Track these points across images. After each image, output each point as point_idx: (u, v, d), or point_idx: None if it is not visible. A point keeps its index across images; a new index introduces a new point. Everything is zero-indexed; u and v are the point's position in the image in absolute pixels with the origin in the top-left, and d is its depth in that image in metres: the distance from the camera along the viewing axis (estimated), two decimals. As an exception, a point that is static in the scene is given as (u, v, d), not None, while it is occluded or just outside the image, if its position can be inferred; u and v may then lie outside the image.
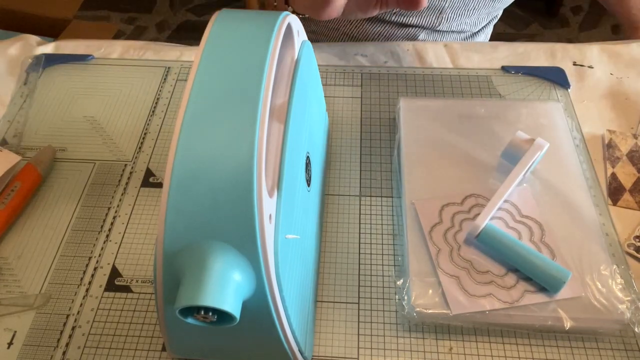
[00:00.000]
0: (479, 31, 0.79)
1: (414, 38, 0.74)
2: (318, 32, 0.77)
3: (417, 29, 0.73)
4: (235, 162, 0.30)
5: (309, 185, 0.43)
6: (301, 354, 0.38)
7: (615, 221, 0.49)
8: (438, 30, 0.74)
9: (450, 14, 0.71)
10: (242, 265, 0.30)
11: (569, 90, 0.61)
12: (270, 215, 0.31)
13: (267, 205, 0.31)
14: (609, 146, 0.54)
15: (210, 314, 0.30)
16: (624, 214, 0.50)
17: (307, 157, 0.43)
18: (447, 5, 0.69)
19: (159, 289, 0.32)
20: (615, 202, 0.50)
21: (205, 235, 0.30)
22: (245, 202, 0.29)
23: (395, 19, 0.71)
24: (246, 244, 0.30)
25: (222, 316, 0.30)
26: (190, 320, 0.30)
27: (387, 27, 0.73)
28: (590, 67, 0.63)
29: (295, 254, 0.37)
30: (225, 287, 0.29)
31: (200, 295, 0.29)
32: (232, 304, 0.29)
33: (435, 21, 0.71)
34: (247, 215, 0.29)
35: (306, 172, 0.42)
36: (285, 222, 0.34)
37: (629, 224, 0.49)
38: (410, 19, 0.71)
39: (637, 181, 0.51)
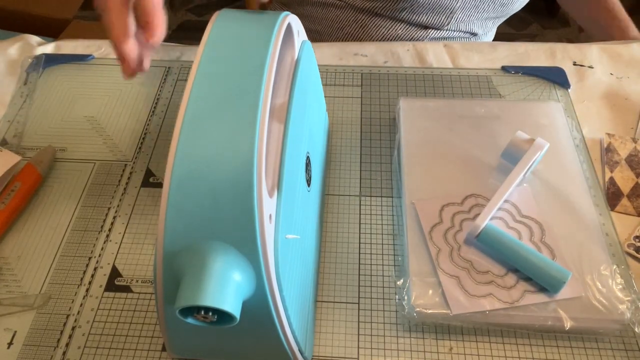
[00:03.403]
0: (485, 33, 0.79)
1: (420, 39, 0.73)
2: (322, 32, 0.77)
3: (424, 29, 0.73)
4: (236, 162, 0.30)
5: (309, 185, 0.43)
6: (301, 354, 0.38)
7: (615, 222, 0.49)
8: (446, 30, 0.73)
9: (460, 15, 0.70)
10: (242, 265, 0.30)
11: (569, 90, 0.61)
12: (270, 215, 0.31)
13: (267, 205, 0.31)
14: (608, 150, 0.54)
15: (210, 314, 0.30)
16: (622, 217, 0.50)
17: (307, 157, 0.43)
18: (458, 5, 0.69)
19: (159, 289, 0.32)
20: (613, 208, 0.50)
21: (205, 235, 0.30)
22: (245, 202, 0.29)
23: (404, 16, 0.71)
24: (246, 244, 0.30)
25: (222, 316, 0.30)
26: (190, 320, 0.30)
27: (393, 27, 0.72)
28: (591, 67, 0.63)
29: (295, 254, 0.37)
30: (225, 287, 0.29)
31: (200, 295, 0.29)
32: (232, 304, 0.29)
33: (445, 21, 0.71)
34: (247, 215, 0.29)
35: (306, 172, 0.42)
36: (285, 222, 0.34)
37: (628, 225, 0.49)
38: (420, 17, 0.70)
39: (636, 186, 0.51)
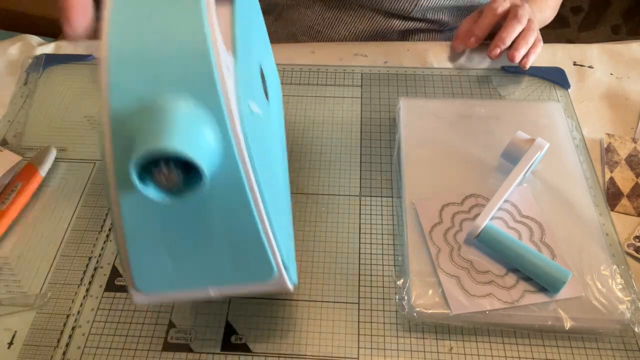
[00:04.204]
0: (455, 22, 0.78)
1: (386, 32, 0.72)
2: (297, 33, 0.77)
3: (389, 18, 0.72)
4: (183, 7, 0.26)
5: (267, 98, 0.39)
6: (286, 271, 0.34)
7: (615, 222, 0.49)
8: (412, 20, 0.72)
9: (424, 1, 0.69)
10: (206, 118, 0.27)
11: (569, 90, 0.61)
12: (227, 67, 0.28)
13: (224, 57, 0.28)
14: (608, 150, 0.54)
15: (175, 172, 0.26)
16: (622, 217, 0.50)
17: (261, 70, 0.39)
18: None
19: (109, 169, 0.27)
20: (613, 208, 0.50)
21: (161, 87, 0.26)
22: (199, 47, 0.26)
23: (368, 4, 0.69)
24: (205, 89, 0.26)
25: (189, 181, 0.26)
26: (150, 189, 0.26)
27: (358, 19, 0.71)
28: (591, 67, 0.63)
29: (263, 141, 0.33)
30: (191, 133, 0.25)
31: (164, 138, 0.24)
32: (201, 155, 0.25)
33: (409, 7, 0.70)
34: (203, 60, 0.26)
35: (262, 83, 0.38)
36: (245, 89, 0.30)
37: (628, 225, 0.49)
38: (383, 3, 0.69)
39: (636, 186, 0.51)
